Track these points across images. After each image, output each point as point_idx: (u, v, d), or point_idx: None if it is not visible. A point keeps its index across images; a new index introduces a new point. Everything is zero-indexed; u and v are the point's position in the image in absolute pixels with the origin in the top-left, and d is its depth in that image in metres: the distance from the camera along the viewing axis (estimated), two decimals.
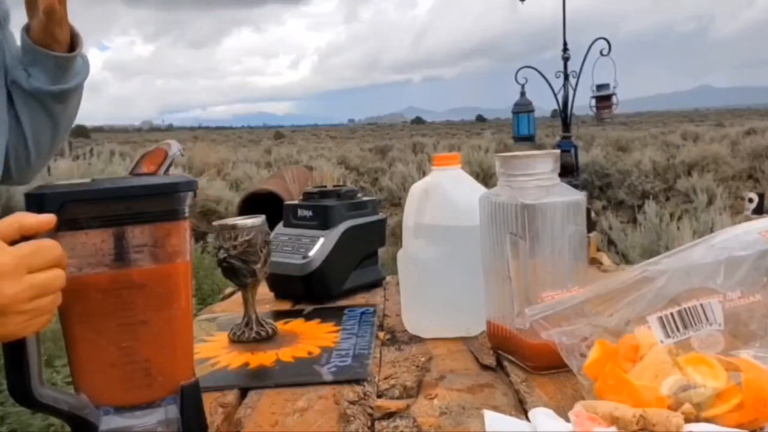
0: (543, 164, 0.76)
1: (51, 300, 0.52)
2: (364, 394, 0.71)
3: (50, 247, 0.52)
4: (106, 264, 0.55)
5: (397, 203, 7.12)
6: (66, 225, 0.53)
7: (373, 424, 0.65)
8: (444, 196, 0.90)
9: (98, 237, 0.54)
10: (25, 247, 0.50)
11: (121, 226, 0.55)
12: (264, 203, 3.84)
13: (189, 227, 0.60)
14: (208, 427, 0.62)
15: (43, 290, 0.51)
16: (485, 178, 6.82)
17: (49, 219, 0.52)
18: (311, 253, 1.10)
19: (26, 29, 0.86)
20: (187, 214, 0.59)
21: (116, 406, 0.56)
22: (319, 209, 1.15)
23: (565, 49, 4.65)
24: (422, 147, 12.65)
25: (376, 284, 1.21)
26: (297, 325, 0.99)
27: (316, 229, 1.14)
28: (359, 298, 1.14)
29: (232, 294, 1.23)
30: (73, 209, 0.54)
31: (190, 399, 0.59)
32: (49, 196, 0.53)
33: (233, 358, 0.85)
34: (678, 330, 0.65)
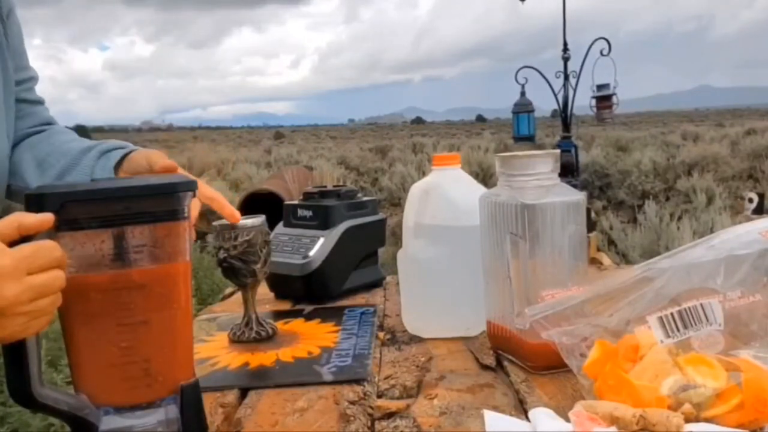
0: (543, 164, 0.76)
1: (51, 301, 0.52)
2: (364, 394, 0.71)
3: (50, 248, 0.52)
4: (106, 264, 0.55)
5: (397, 203, 7.12)
6: (66, 225, 0.53)
7: (373, 424, 0.65)
8: (444, 196, 0.90)
9: (98, 237, 0.54)
10: (24, 248, 0.50)
11: (121, 226, 0.55)
12: (264, 203, 3.84)
13: (189, 227, 0.60)
14: (208, 427, 0.62)
15: (43, 291, 0.51)
16: (485, 178, 6.82)
17: (47, 218, 0.52)
18: (311, 253, 1.10)
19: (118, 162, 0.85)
20: (186, 215, 0.59)
21: (116, 406, 0.56)
22: (319, 209, 1.15)
23: (565, 49, 4.65)
24: (422, 147, 12.65)
25: (376, 284, 1.21)
26: (297, 325, 0.99)
27: (316, 229, 1.14)
28: (359, 298, 1.14)
29: (232, 294, 1.23)
30: (73, 209, 0.53)
31: (190, 399, 0.59)
32: (49, 196, 0.53)
33: (233, 358, 0.85)
34: (678, 330, 0.65)
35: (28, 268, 0.50)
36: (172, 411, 0.58)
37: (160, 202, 0.57)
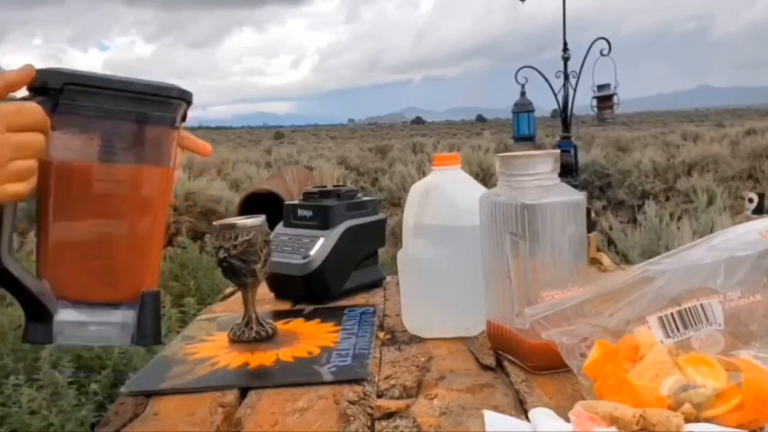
0: (543, 164, 0.76)
1: (29, 166, 0.52)
2: (364, 394, 0.71)
3: (32, 110, 0.52)
4: (94, 156, 0.56)
5: (397, 203, 7.11)
6: (63, 108, 0.55)
7: (373, 424, 0.65)
8: (444, 196, 0.90)
9: (91, 126, 0.55)
10: (5, 106, 0.52)
11: (115, 120, 0.56)
12: (264, 203, 3.84)
13: (177, 139, 0.61)
14: (162, 337, 0.61)
15: (22, 151, 0.52)
16: (485, 178, 6.82)
17: (28, 71, 0.53)
18: (311, 253, 1.10)
19: None
20: (178, 124, 0.60)
21: (75, 301, 0.56)
22: (319, 209, 1.15)
23: (565, 49, 4.64)
24: (422, 147, 12.64)
25: (376, 284, 1.21)
26: (297, 325, 0.99)
27: (316, 229, 1.14)
28: (359, 298, 1.14)
29: (232, 294, 1.23)
30: (72, 93, 0.55)
31: (149, 306, 0.59)
32: (53, 73, 0.54)
33: (233, 358, 0.85)
34: (678, 330, 0.65)
35: (8, 125, 0.51)
36: (129, 315, 0.58)
37: (155, 105, 0.58)
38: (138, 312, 0.58)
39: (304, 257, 1.10)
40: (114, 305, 0.57)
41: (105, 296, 0.57)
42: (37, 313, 0.55)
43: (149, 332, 0.59)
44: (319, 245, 1.11)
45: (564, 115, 4.65)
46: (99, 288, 0.57)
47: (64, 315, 0.55)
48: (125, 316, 0.58)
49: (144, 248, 0.59)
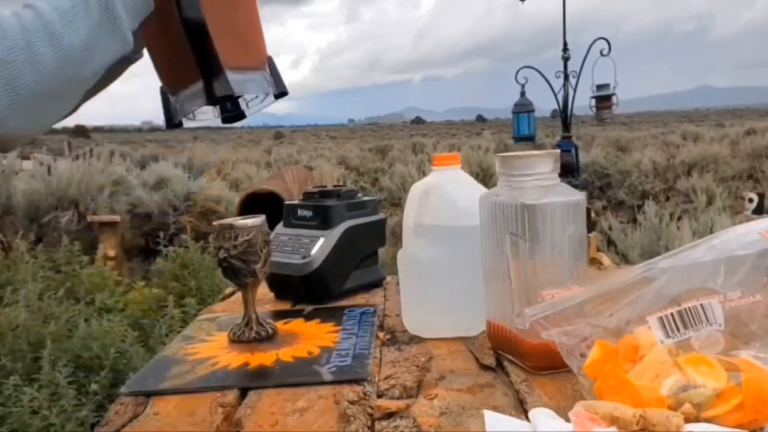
0: (543, 164, 0.76)
1: None
2: (364, 394, 0.71)
3: None
4: None
5: (397, 203, 7.11)
6: None
7: (373, 424, 0.65)
8: (444, 196, 0.90)
9: None
10: None
11: None
12: (264, 203, 3.84)
13: None
14: (286, 88, 0.79)
15: None
16: (485, 178, 6.82)
17: None
18: (311, 253, 1.10)
19: None
20: None
21: (228, 68, 0.71)
22: (319, 209, 1.15)
23: (565, 49, 4.64)
24: (422, 147, 12.64)
25: (376, 284, 1.21)
26: (297, 325, 0.99)
27: (316, 229, 1.14)
28: (359, 298, 1.14)
29: (232, 294, 1.23)
30: None
31: (274, 66, 0.79)
32: None
33: (233, 358, 0.85)
34: (678, 330, 0.65)
35: None
36: (265, 74, 0.78)
37: None
38: (270, 71, 0.78)
39: (304, 257, 1.10)
40: (255, 68, 0.76)
41: (245, 62, 0.75)
42: (215, 70, 0.70)
43: (281, 84, 0.79)
44: (319, 245, 1.11)
45: (564, 115, 4.65)
46: (239, 57, 0.73)
47: (228, 76, 0.71)
48: (263, 74, 0.77)
49: (254, 27, 0.77)
